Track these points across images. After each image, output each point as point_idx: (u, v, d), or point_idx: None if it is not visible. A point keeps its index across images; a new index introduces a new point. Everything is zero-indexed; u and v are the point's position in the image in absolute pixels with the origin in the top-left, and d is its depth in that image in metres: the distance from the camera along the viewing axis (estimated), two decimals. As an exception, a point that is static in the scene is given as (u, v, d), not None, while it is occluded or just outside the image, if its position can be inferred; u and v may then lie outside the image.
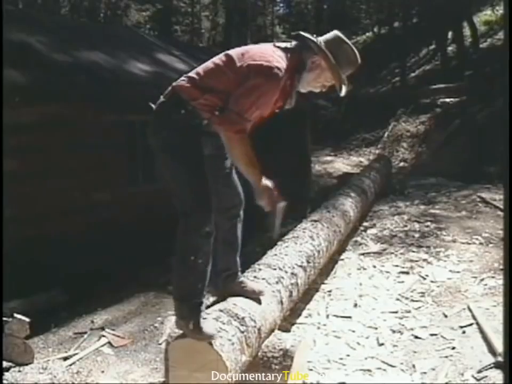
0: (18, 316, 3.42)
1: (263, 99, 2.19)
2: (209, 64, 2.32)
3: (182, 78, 2.33)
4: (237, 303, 2.48)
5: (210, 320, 2.25)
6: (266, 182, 2.29)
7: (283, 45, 2.33)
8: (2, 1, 5.03)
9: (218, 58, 2.31)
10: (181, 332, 2.32)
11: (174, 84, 2.32)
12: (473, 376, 2.74)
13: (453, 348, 3.07)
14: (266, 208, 2.33)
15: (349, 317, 3.68)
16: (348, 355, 3.16)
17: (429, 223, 5.78)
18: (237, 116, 2.14)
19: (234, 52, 2.29)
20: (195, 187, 2.24)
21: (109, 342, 3.76)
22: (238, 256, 2.61)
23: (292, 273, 3.16)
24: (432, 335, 3.31)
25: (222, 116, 2.19)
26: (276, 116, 2.40)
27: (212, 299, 2.76)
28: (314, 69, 2.30)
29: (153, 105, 2.33)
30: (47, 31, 7.44)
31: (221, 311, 2.39)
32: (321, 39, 2.29)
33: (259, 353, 2.52)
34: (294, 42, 2.35)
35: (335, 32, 2.34)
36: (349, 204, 5.21)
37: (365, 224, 6.04)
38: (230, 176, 2.50)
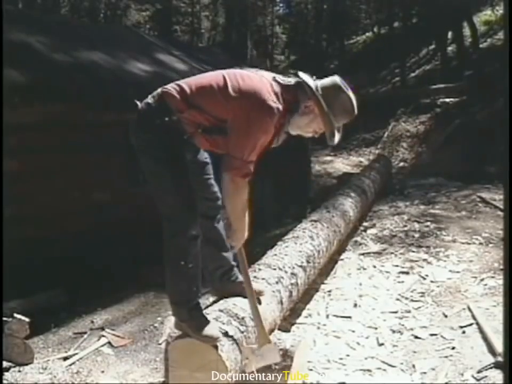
0: (18, 316, 3.42)
1: (262, 138, 2.14)
2: (203, 81, 2.24)
3: (174, 84, 2.26)
4: (237, 303, 2.48)
5: (212, 321, 2.25)
6: (245, 231, 2.29)
7: (283, 80, 2.23)
8: (2, 1, 5.03)
9: (214, 79, 2.21)
10: (181, 332, 2.32)
11: (164, 87, 2.26)
12: (473, 376, 2.74)
13: (453, 348, 3.07)
14: (234, 247, 2.34)
15: (349, 317, 3.67)
16: (348, 355, 3.16)
17: (429, 223, 5.78)
18: (242, 162, 2.11)
19: (229, 77, 2.19)
20: (180, 191, 2.21)
21: (109, 342, 3.76)
22: (227, 252, 2.56)
23: (292, 273, 3.17)
24: (432, 335, 3.31)
25: (226, 165, 2.14)
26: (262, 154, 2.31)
27: (211, 299, 2.76)
28: (307, 114, 2.22)
29: (138, 103, 2.30)
30: (47, 31, 7.44)
31: (221, 311, 2.40)
32: (319, 84, 2.20)
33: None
34: (294, 80, 2.26)
35: (334, 79, 2.24)
36: (348, 204, 5.21)
37: (365, 224, 6.04)
38: (210, 182, 2.48)
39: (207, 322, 2.22)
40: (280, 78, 2.25)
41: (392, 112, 15.29)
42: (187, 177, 2.23)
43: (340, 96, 2.19)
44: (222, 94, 2.16)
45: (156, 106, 2.22)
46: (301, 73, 2.23)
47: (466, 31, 17.11)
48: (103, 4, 23.89)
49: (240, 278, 2.60)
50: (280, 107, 2.13)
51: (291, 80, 2.26)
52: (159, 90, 2.27)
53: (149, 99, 2.27)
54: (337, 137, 2.26)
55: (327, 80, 2.24)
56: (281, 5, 32.16)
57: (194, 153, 2.37)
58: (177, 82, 2.28)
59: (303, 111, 2.22)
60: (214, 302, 2.59)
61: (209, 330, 2.17)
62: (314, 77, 2.25)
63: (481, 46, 16.90)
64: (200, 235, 2.26)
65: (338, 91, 2.20)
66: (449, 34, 17.95)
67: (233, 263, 2.59)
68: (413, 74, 19.29)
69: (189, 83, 2.25)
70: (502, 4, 16.35)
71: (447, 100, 14.22)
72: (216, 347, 2.15)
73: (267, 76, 2.26)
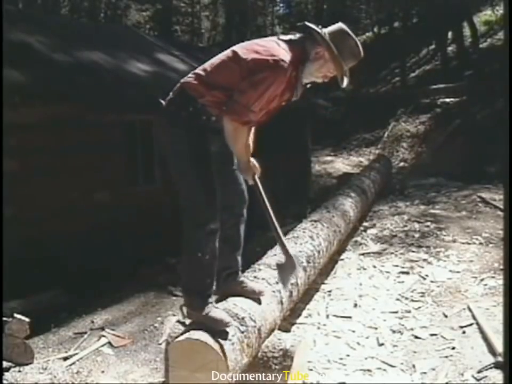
0: (18, 316, 3.42)
1: (269, 91, 2.21)
2: (215, 60, 2.34)
3: (190, 74, 2.34)
4: (237, 303, 2.48)
5: (221, 310, 2.32)
6: (253, 161, 2.42)
7: (287, 37, 2.34)
8: (2, 1, 5.03)
9: (224, 54, 2.32)
10: (180, 331, 2.32)
11: (182, 80, 2.34)
12: (473, 376, 2.74)
13: (453, 348, 3.07)
14: (249, 181, 2.43)
15: (349, 317, 3.67)
16: (348, 355, 3.16)
17: (429, 223, 5.78)
18: (244, 108, 2.18)
19: (239, 47, 2.31)
20: (202, 185, 2.27)
21: (109, 342, 3.76)
22: (239, 255, 2.62)
23: (292, 273, 3.16)
24: (432, 335, 3.31)
25: (228, 107, 2.21)
26: (283, 109, 2.42)
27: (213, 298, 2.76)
28: (317, 60, 2.31)
29: (163, 102, 2.35)
30: (47, 31, 7.44)
31: (222, 310, 2.39)
32: (325, 31, 2.30)
33: (259, 353, 2.52)
34: (298, 34, 2.36)
35: (340, 25, 2.34)
36: (349, 204, 5.21)
37: (365, 224, 6.04)
38: (236, 174, 2.52)
39: (217, 309, 2.31)
40: (284, 36, 2.35)
41: (392, 112, 15.30)
42: (210, 172, 2.30)
43: (347, 40, 2.29)
44: (235, 63, 2.24)
45: (178, 100, 2.29)
46: (308, 23, 2.34)
47: (466, 31, 17.12)
48: (103, 3, 23.89)
49: (242, 278, 2.62)
50: (289, 62, 2.21)
51: (295, 35, 2.36)
52: (178, 84, 2.34)
53: (171, 95, 2.34)
54: (346, 81, 2.34)
55: (333, 27, 2.33)
56: (281, 5, 32.14)
57: (221, 142, 2.39)
58: (194, 71, 2.35)
59: (314, 58, 2.30)
60: (215, 302, 2.59)
61: (220, 315, 2.26)
62: (320, 26, 2.33)
63: (481, 46, 16.91)
64: (219, 229, 2.32)
65: (345, 35, 2.29)
66: (449, 34, 17.95)
67: (240, 268, 2.64)
68: (413, 74, 19.29)
69: (203, 67, 2.33)
70: (502, 4, 16.35)
71: (447, 100, 14.22)
72: (226, 333, 2.20)
73: (271, 38, 2.37)
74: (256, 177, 2.42)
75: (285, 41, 2.31)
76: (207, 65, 2.33)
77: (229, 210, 2.46)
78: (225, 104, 2.24)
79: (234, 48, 2.32)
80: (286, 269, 2.48)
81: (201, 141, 2.28)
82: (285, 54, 2.22)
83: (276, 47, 2.25)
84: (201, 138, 2.28)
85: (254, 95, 2.18)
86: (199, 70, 2.32)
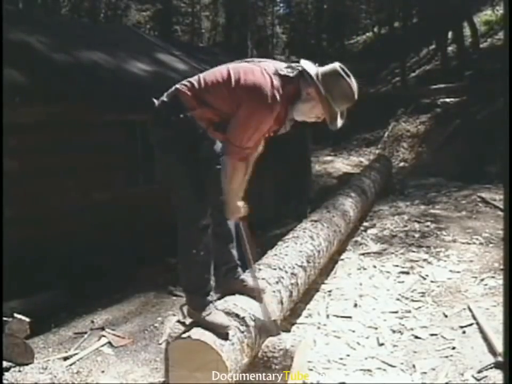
0: (18, 316, 3.42)
1: (259, 129, 2.25)
2: (210, 75, 2.34)
3: (186, 81, 2.35)
4: (237, 303, 2.48)
5: (221, 313, 2.33)
6: (239, 203, 2.40)
7: (284, 71, 2.29)
8: (2, 1, 5.03)
9: (219, 74, 2.31)
10: (180, 331, 2.33)
11: (177, 85, 2.35)
12: (473, 376, 2.74)
13: (453, 348, 3.07)
14: (230, 219, 2.47)
15: (349, 317, 3.68)
16: (348, 355, 3.16)
17: (429, 223, 5.78)
18: (239, 149, 2.25)
19: (233, 72, 2.29)
20: (190, 182, 2.32)
21: (109, 342, 3.75)
22: (233, 248, 2.63)
23: (292, 273, 3.16)
24: (432, 335, 3.31)
25: (228, 149, 2.27)
26: (271, 138, 2.47)
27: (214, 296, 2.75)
28: (308, 101, 2.29)
29: (156, 101, 2.37)
30: (47, 31, 7.44)
31: (223, 312, 2.39)
32: (319, 71, 2.26)
33: (259, 353, 2.52)
34: (295, 69, 2.32)
35: (335, 65, 2.29)
36: (349, 204, 5.21)
37: (365, 224, 6.04)
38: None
39: (217, 311, 2.33)
40: (282, 69, 2.31)
41: (392, 112, 15.29)
42: (198, 170, 2.35)
43: (339, 82, 2.24)
44: (226, 88, 2.26)
45: (170, 104, 2.32)
46: (303, 61, 2.31)
47: (467, 31, 17.11)
48: (103, 3, 23.88)
49: (242, 276, 2.63)
50: (279, 100, 2.22)
51: (293, 70, 2.32)
52: (173, 88, 2.35)
53: (165, 97, 2.36)
54: (339, 122, 2.32)
55: (327, 67, 2.29)
56: (281, 5, 32.15)
57: (210, 145, 2.46)
58: (190, 79, 2.37)
59: (305, 98, 2.29)
60: (216, 300, 2.59)
61: (220, 318, 2.27)
62: (317, 64, 2.32)
63: (481, 46, 16.90)
64: (211, 224, 2.38)
65: (338, 77, 2.25)
66: (449, 34, 17.94)
67: (238, 262, 2.65)
68: (413, 74, 19.28)
69: (198, 80, 2.34)
70: (502, 4, 16.35)
71: (447, 99, 14.21)
72: (227, 334, 2.22)
73: (269, 69, 2.31)
74: (241, 221, 2.45)
75: (280, 77, 2.27)
76: (202, 79, 2.33)
77: (217, 208, 2.47)
78: (214, 124, 2.29)
79: (230, 68, 2.31)
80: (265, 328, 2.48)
81: (190, 142, 2.32)
82: (274, 94, 2.20)
83: (268, 84, 2.22)
84: (190, 139, 2.32)
85: (245, 136, 2.23)
86: (194, 81, 2.33)
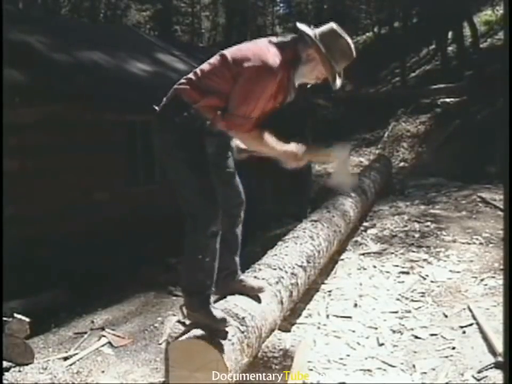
0: (18, 316, 3.42)
1: (262, 98, 2.22)
2: (205, 65, 2.33)
3: (182, 80, 2.34)
4: (237, 303, 2.48)
5: (219, 311, 2.33)
6: (287, 147, 2.39)
7: (278, 39, 2.33)
8: (2, 1, 5.03)
9: (214, 58, 2.32)
10: (180, 331, 2.33)
11: (175, 86, 2.33)
12: (473, 376, 2.74)
13: (453, 348, 3.07)
14: (293, 166, 2.43)
15: (349, 317, 3.67)
16: (348, 355, 3.16)
17: (429, 223, 5.78)
18: (243, 119, 2.21)
19: (228, 52, 2.31)
20: (202, 188, 2.27)
21: (109, 342, 3.76)
22: (237, 256, 2.63)
23: (292, 273, 3.16)
24: (432, 335, 3.30)
25: (228, 121, 2.23)
26: (278, 110, 2.42)
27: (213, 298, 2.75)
28: (309, 62, 2.30)
29: (156, 107, 2.35)
30: (47, 31, 7.44)
31: (221, 311, 2.39)
32: (316, 32, 2.29)
33: (259, 353, 2.52)
34: (290, 36, 2.35)
35: (331, 25, 2.32)
36: (349, 204, 5.20)
37: (365, 224, 6.04)
38: (232, 175, 2.53)
39: (215, 310, 2.32)
40: (274, 39, 2.34)
41: (392, 112, 15.29)
42: (209, 175, 2.30)
43: (338, 41, 2.27)
44: (226, 68, 2.25)
45: (172, 105, 2.29)
46: (299, 24, 2.32)
47: (467, 31, 17.11)
48: (103, 4, 23.90)
49: (241, 276, 2.64)
50: (279, 65, 2.21)
51: (287, 38, 2.35)
52: (172, 90, 2.34)
53: (165, 101, 2.34)
54: (338, 82, 2.33)
55: (324, 27, 2.31)
56: (281, 5, 32.16)
57: (216, 145, 2.43)
58: (186, 76, 2.35)
59: (306, 60, 2.30)
60: (215, 301, 2.59)
61: (219, 315, 2.27)
62: (312, 26, 2.33)
63: (481, 46, 16.90)
64: (220, 231, 2.33)
65: (336, 36, 2.28)
66: (449, 34, 17.95)
67: (239, 268, 2.65)
68: (413, 74, 19.29)
69: (194, 72, 2.33)
70: (502, 4, 16.34)
71: (447, 99, 14.22)
72: (226, 332, 2.22)
73: (262, 41, 2.35)
74: (301, 161, 2.42)
75: (276, 44, 2.29)
76: (198, 70, 2.33)
77: (225, 212, 2.45)
78: (220, 109, 2.25)
79: (223, 52, 2.32)
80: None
81: (197, 145, 2.28)
82: (274, 59, 2.21)
83: (265, 51, 2.24)
84: (197, 141, 2.28)
85: (248, 105, 2.20)
86: (191, 75, 2.32)
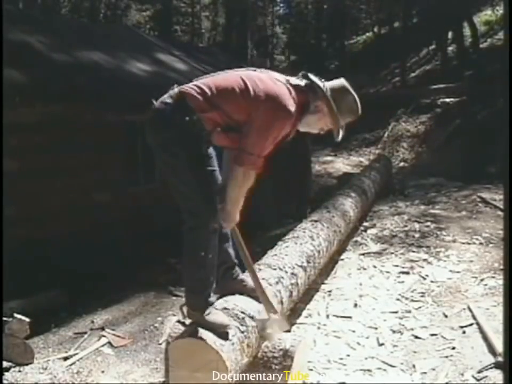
0: (18, 316, 3.42)
1: (277, 137, 2.28)
2: (224, 83, 2.31)
3: (192, 85, 2.31)
4: (237, 303, 2.48)
5: (220, 312, 2.34)
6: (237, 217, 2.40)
7: (296, 82, 2.37)
8: (2, 1, 5.02)
9: (235, 83, 2.30)
10: (180, 331, 2.33)
11: (182, 88, 2.31)
12: (473, 376, 2.74)
13: (453, 348, 3.07)
14: (226, 228, 2.43)
15: (349, 317, 3.68)
16: (348, 355, 3.16)
17: (429, 223, 5.78)
18: (257, 158, 2.25)
19: (249, 80, 2.30)
20: (201, 185, 2.28)
21: (109, 342, 3.75)
22: (230, 247, 2.62)
23: (292, 273, 3.16)
24: (432, 335, 3.31)
25: (242, 158, 2.25)
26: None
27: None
28: (317, 112, 2.37)
29: (155, 102, 2.33)
30: (47, 31, 7.44)
31: (222, 311, 2.39)
32: (327, 85, 2.35)
33: (259, 353, 2.52)
34: (304, 81, 2.39)
35: (342, 81, 2.40)
36: (349, 204, 5.21)
37: (365, 224, 6.04)
38: (215, 173, 2.51)
39: (217, 311, 2.34)
40: (292, 80, 2.38)
41: (392, 112, 15.29)
42: (207, 172, 2.32)
43: (347, 97, 2.37)
44: (243, 96, 2.26)
45: (175, 105, 2.27)
46: (311, 76, 2.38)
47: (467, 31, 17.11)
48: (103, 4, 23.90)
49: (241, 275, 2.63)
50: (295, 109, 2.28)
51: (301, 83, 2.39)
52: (177, 90, 2.31)
53: (167, 98, 2.31)
54: (341, 134, 2.43)
55: (335, 82, 2.40)
56: (281, 5, 32.17)
57: (206, 147, 2.42)
58: (195, 83, 2.34)
59: (314, 110, 2.37)
60: (215, 300, 2.59)
61: (220, 318, 2.28)
62: (323, 80, 2.39)
63: (481, 46, 16.90)
64: (219, 228, 2.36)
65: (346, 92, 2.37)
66: (449, 34, 17.95)
67: (235, 260, 2.64)
68: (413, 74, 19.30)
69: (207, 84, 2.31)
70: (502, 4, 16.35)
71: (447, 99, 14.22)
72: (227, 334, 2.23)
73: (280, 79, 2.37)
74: (229, 227, 2.43)
75: (294, 87, 2.33)
76: (213, 84, 2.30)
77: None
78: (221, 127, 2.27)
79: (243, 77, 2.31)
80: (271, 324, 2.45)
81: (196, 141, 2.28)
82: (293, 104, 2.26)
83: (287, 94, 2.27)
84: (196, 138, 2.28)
85: (264, 144, 2.24)
86: (203, 86, 2.29)
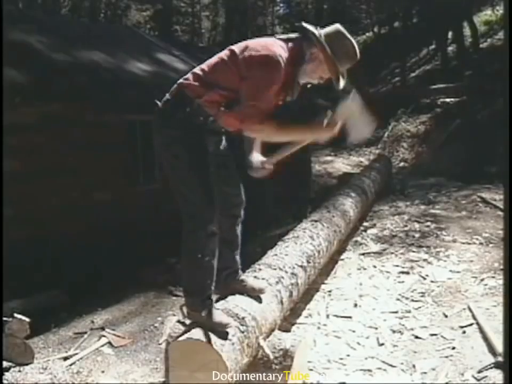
0: (18, 316, 3.42)
1: (272, 87, 2.23)
2: (212, 60, 2.34)
3: (187, 75, 2.34)
4: (238, 303, 2.48)
5: (220, 312, 2.34)
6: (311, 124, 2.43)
7: (284, 36, 2.36)
8: (2, 1, 5.02)
9: (222, 54, 2.33)
10: (180, 331, 2.33)
11: (179, 81, 2.33)
12: (473, 376, 2.74)
13: (453, 348, 3.07)
14: (329, 136, 2.46)
15: (349, 317, 3.67)
16: (348, 355, 3.16)
17: (429, 223, 5.78)
18: (255, 109, 2.20)
19: (236, 46, 2.32)
20: (200, 187, 2.27)
21: (109, 342, 3.75)
22: (238, 255, 2.63)
23: (292, 273, 3.16)
24: (432, 335, 3.30)
25: (240, 113, 2.23)
26: (280, 108, 2.42)
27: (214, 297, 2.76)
28: (312, 61, 2.32)
29: (158, 103, 2.34)
30: (47, 31, 7.44)
31: (222, 311, 2.39)
32: (322, 32, 2.30)
33: (259, 353, 2.52)
34: (295, 34, 2.37)
35: (336, 26, 2.34)
36: (349, 204, 5.20)
37: (365, 224, 6.04)
38: (232, 175, 2.52)
39: (216, 311, 2.33)
40: (282, 35, 2.37)
41: (392, 112, 15.29)
42: (208, 174, 2.30)
43: (342, 42, 2.29)
44: (232, 62, 2.26)
45: (175, 100, 2.29)
46: (305, 24, 2.34)
47: (467, 31, 17.11)
48: (103, 3, 23.89)
49: (242, 276, 2.65)
50: (285, 55, 2.23)
51: (293, 35, 2.36)
52: (175, 85, 2.33)
53: (167, 96, 2.33)
54: (342, 82, 2.35)
55: (330, 28, 2.34)
56: (281, 5, 32.16)
57: (217, 144, 2.43)
58: (191, 71, 2.35)
59: (309, 59, 2.31)
60: (216, 301, 2.59)
61: (219, 317, 2.28)
62: (318, 27, 2.34)
63: (481, 46, 16.90)
64: (218, 232, 2.33)
65: (341, 37, 2.30)
66: (449, 34, 17.95)
67: (240, 266, 2.66)
68: (413, 74, 19.29)
69: (200, 67, 2.34)
70: (502, 4, 16.34)
71: (447, 99, 14.21)
72: (227, 333, 2.23)
73: (268, 37, 2.37)
74: (335, 126, 2.42)
75: (283, 40, 2.32)
76: (205, 65, 2.33)
77: (226, 212, 2.46)
78: (223, 105, 2.25)
79: (231, 47, 2.33)
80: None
81: (198, 142, 2.28)
82: (281, 51, 2.23)
83: (272, 43, 2.26)
84: (198, 139, 2.28)
85: (259, 94, 2.20)
86: (196, 70, 2.32)
